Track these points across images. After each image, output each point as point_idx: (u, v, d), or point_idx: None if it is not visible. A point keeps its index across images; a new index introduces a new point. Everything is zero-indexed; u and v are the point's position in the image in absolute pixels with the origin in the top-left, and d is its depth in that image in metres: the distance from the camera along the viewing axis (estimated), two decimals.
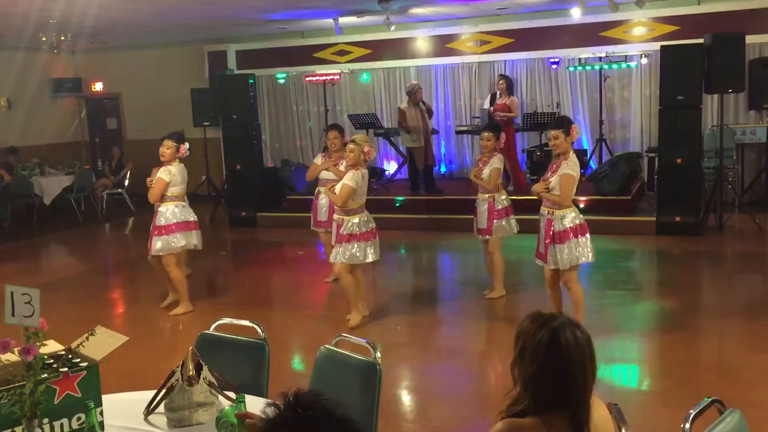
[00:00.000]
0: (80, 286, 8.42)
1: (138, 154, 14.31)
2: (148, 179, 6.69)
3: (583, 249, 5.46)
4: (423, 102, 10.82)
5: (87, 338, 2.57)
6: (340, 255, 6.06)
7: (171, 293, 7.06)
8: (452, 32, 12.46)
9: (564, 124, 5.47)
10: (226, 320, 3.46)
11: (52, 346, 2.64)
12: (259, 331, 3.30)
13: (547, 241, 5.50)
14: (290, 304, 7.32)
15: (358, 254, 6.04)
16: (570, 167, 5.38)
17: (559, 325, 2.06)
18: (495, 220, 6.66)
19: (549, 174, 5.54)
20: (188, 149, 6.74)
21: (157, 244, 6.59)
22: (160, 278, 7.05)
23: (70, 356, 2.58)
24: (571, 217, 5.44)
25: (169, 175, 6.54)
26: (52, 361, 2.53)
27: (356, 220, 6.06)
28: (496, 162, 6.67)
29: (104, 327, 2.66)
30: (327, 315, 7.02)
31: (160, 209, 6.61)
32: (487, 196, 6.72)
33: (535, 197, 5.76)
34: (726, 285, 7.52)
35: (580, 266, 5.61)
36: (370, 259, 6.13)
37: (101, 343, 2.58)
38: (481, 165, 6.79)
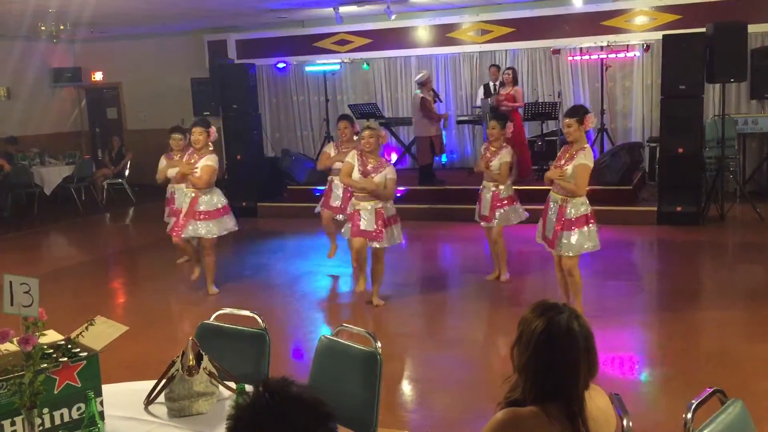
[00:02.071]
0: (80, 275, 8.43)
1: (138, 144, 14.31)
2: (187, 165, 6.80)
3: (592, 237, 5.55)
4: (432, 89, 10.84)
5: (86, 328, 2.57)
6: (387, 239, 6.30)
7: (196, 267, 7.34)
8: (453, 21, 12.41)
9: (578, 112, 5.53)
10: (227, 310, 3.45)
11: (51, 336, 2.63)
12: (260, 320, 3.29)
13: (557, 228, 5.54)
14: (291, 294, 7.31)
15: (397, 234, 6.41)
16: (586, 158, 5.47)
17: (557, 316, 2.08)
18: (498, 209, 6.74)
19: (563, 161, 5.56)
20: (215, 132, 6.98)
21: (209, 227, 6.78)
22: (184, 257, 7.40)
23: (69, 346, 2.57)
24: (585, 207, 5.54)
25: (216, 162, 6.80)
26: (51, 350, 2.52)
27: (390, 204, 6.39)
28: (507, 156, 6.74)
29: (104, 317, 2.65)
30: (328, 305, 7.02)
31: (203, 195, 6.78)
32: (491, 184, 6.78)
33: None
34: (727, 275, 7.51)
35: (582, 254, 5.68)
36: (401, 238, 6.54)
37: (101, 333, 2.57)
38: (489, 155, 6.80)
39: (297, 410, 1.45)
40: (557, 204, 5.60)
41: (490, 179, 6.78)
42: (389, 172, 6.27)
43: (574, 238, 5.49)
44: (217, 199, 6.86)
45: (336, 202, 7.58)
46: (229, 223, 6.96)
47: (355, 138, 7.39)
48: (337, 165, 7.43)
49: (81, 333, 2.57)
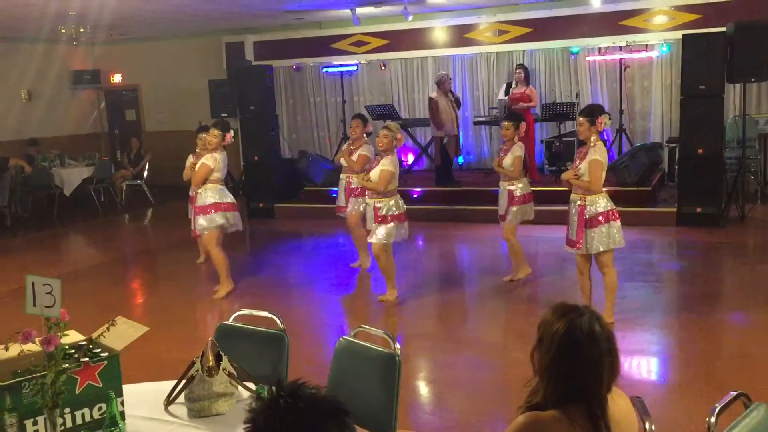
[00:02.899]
0: (100, 276, 8.49)
1: (156, 145, 14.40)
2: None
3: (617, 234, 5.54)
4: (451, 92, 10.81)
5: (107, 328, 2.58)
6: (378, 235, 6.34)
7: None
8: (470, 22, 12.36)
9: (591, 112, 5.57)
10: (246, 311, 3.47)
11: (73, 337, 2.65)
12: (278, 322, 3.30)
13: (581, 228, 5.54)
14: (309, 295, 7.32)
15: (394, 233, 6.36)
16: (598, 153, 5.48)
17: (577, 318, 2.06)
18: (512, 207, 6.75)
19: (577, 161, 5.60)
20: (233, 136, 7.08)
21: (199, 222, 6.92)
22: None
23: (90, 346, 2.59)
24: (603, 203, 5.53)
25: (215, 162, 6.86)
26: (73, 351, 2.54)
27: (392, 202, 6.38)
28: (518, 150, 6.77)
29: (124, 317, 2.67)
30: (346, 306, 7.02)
31: (200, 191, 6.92)
32: (507, 183, 6.81)
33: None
34: (748, 276, 7.43)
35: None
36: (404, 237, 6.50)
37: (122, 334, 2.59)
38: (502, 154, 6.90)
39: (312, 409, 1.47)
40: (576, 204, 5.61)
41: (506, 178, 6.82)
42: (384, 163, 6.35)
43: (596, 237, 5.50)
44: (204, 197, 6.88)
45: (341, 201, 7.78)
46: (218, 220, 6.88)
47: (366, 137, 7.48)
48: (342, 161, 7.55)
49: (102, 333, 2.59)
